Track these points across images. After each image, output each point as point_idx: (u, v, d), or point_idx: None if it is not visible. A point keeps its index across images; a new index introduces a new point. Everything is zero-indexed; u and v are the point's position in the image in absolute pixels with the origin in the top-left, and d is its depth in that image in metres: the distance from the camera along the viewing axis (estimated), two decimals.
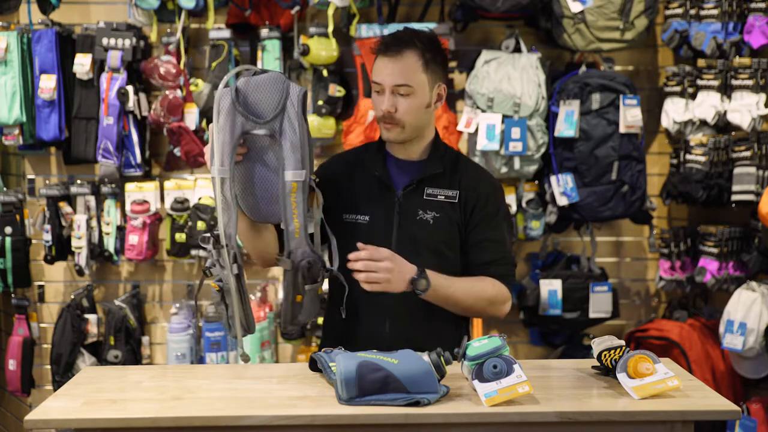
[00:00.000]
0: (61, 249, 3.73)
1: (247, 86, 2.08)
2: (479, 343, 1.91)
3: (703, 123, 3.60)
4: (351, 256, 2.11)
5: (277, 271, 3.89)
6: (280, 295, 3.78)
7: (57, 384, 3.67)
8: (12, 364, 3.77)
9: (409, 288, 2.13)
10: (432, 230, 2.23)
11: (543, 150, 3.59)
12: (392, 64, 2.20)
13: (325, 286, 2.23)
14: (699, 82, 3.60)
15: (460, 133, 3.65)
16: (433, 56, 2.23)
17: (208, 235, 2.06)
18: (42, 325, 3.92)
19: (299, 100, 2.10)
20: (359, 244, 2.12)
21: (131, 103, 3.60)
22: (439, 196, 2.26)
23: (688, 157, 3.60)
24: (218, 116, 2.05)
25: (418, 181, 2.27)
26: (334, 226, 2.22)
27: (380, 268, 2.09)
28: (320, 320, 3.55)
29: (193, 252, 3.71)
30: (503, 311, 2.29)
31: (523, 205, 3.71)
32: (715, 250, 3.59)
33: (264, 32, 3.69)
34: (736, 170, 3.51)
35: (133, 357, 3.78)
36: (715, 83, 3.54)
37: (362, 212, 2.26)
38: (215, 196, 2.05)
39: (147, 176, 3.82)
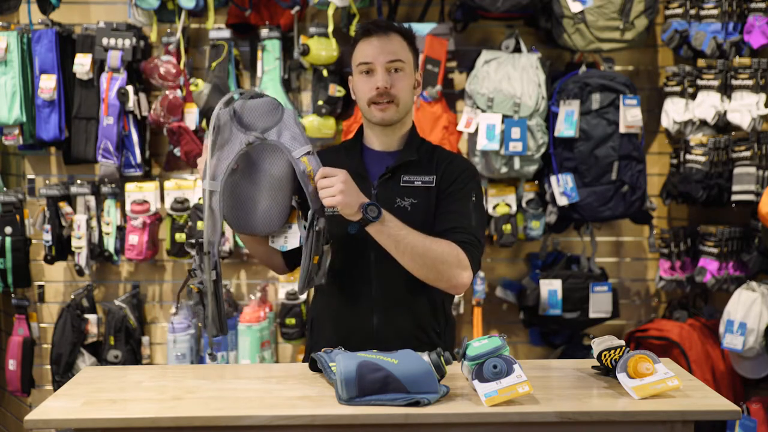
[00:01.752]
0: (61, 249, 3.73)
1: (243, 108, 2.15)
2: (479, 343, 1.91)
3: (703, 123, 3.60)
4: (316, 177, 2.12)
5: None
6: (281, 295, 3.79)
7: (57, 384, 3.67)
8: (12, 364, 3.77)
9: (359, 214, 2.10)
10: (410, 217, 2.22)
11: (543, 150, 3.59)
12: (383, 43, 2.25)
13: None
14: (699, 82, 3.60)
15: (460, 133, 3.65)
16: (410, 43, 2.31)
17: (194, 241, 2.14)
18: (42, 325, 3.92)
19: (294, 118, 2.17)
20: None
21: (131, 103, 3.60)
22: (416, 182, 2.28)
23: (688, 157, 3.60)
24: (215, 133, 2.11)
25: (393, 169, 2.28)
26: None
27: (334, 181, 2.09)
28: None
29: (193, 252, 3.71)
30: (460, 279, 2.18)
31: (523, 205, 3.72)
32: (715, 250, 3.59)
33: (264, 32, 3.69)
34: (736, 170, 3.51)
35: (133, 357, 3.78)
36: (715, 83, 3.54)
37: None
38: (203, 206, 2.13)
39: (147, 176, 3.82)
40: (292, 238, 2.22)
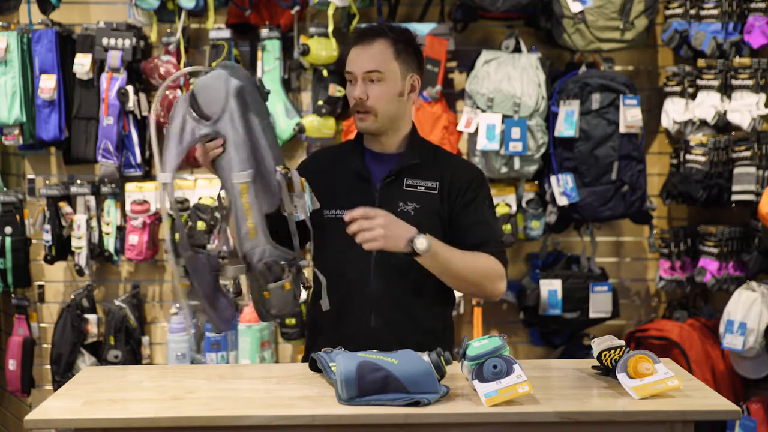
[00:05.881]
0: (61, 249, 3.72)
1: (197, 88, 2.01)
2: (479, 343, 1.91)
3: (703, 123, 3.60)
4: (346, 217, 2.11)
5: None
6: None
7: (57, 384, 3.67)
8: (12, 364, 3.77)
9: (408, 248, 2.12)
10: (413, 222, 2.21)
11: (543, 150, 3.59)
12: (363, 52, 2.24)
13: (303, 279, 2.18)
14: (699, 82, 3.60)
15: (460, 133, 3.65)
16: (405, 47, 2.27)
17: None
18: (42, 325, 3.92)
19: (236, 95, 1.98)
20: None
21: (131, 103, 3.60)
22: (419, 187, 2.28)
23: (688, 157, 3.60)
24: (171, 122, 2.00)
25: (396, 172, 2.28)
26: (317, 223, 2.24)
27: (374, 224, 2.09)
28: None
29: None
30: (499, 288, 2.26)
31: (523, 205, 3.72)
32: (715, 250, 3.59)
33: (264, 32, 3.69)
34: (736, 170, 3.51)
35: (133, 357, 3.77)
36: (715, 83, 3.54)
37: (341, 207, 2.25)
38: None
39: (147, 176, 3.82)
40: (300, 209, 2.07)
